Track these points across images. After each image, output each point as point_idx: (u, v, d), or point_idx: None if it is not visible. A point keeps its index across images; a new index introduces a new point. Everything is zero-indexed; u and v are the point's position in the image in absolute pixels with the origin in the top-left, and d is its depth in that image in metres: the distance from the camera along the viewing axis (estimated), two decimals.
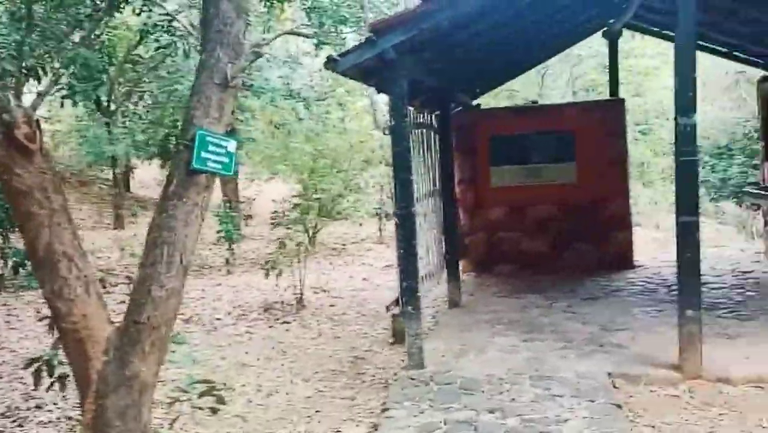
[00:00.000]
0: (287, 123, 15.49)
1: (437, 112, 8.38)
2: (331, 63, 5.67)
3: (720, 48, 9.59)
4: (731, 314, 7.00)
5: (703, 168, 23.73)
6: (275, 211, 9.67)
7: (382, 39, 5.57)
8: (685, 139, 5.18)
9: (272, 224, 9.99)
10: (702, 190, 23.73)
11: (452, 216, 8.20)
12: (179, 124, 6.02)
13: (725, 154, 23.30)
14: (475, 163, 10.37)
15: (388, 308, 7.13)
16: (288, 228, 9.50)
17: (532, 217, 10.24)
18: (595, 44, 21.25)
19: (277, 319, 8.91)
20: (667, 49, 26.66)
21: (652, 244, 12.87)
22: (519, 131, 10.18)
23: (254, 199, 17.57)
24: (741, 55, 9.38)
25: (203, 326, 8.61)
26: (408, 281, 5.88)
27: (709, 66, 27.91)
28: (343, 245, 15.61)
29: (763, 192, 7.98)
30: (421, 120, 7.71)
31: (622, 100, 9.96)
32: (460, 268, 9.99)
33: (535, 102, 10.68)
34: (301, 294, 9.47)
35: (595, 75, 21.73)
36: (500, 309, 7.90)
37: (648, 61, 23.10)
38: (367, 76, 6.40)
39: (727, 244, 13.07)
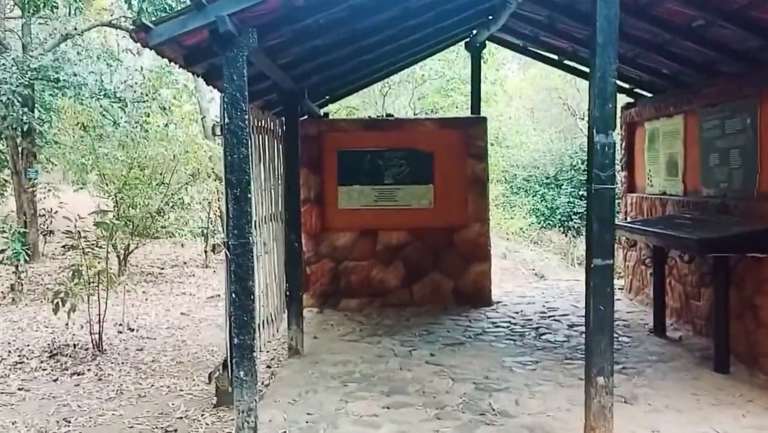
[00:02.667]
0: (99, 126, 13.19)
1: (283, 117, 6.91)
2: (140, 33, 4.02)
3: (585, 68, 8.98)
4: (616, 367, 6.10)
5: (534, 196, 24.24)
6: (68, 231, 7.61)
7: (216, 4, 4.02)
8: (602, 162, 4.12)
9: (64, 247, 7.92)
10: (533, 219, 24.21)
11: (297, 243, 6.71)
12: None
13: (553, 184, 23.86)
14: (321, 180, 8.98)
15: (210, 377, 5.47)
16: (85, 252, 7.50)
17: (383, 244, 9.02)
18: (436, 65, 20.92)
19: (66, 369, 6.92)
20: (505, 75, 27.24)
21: (502, 275, 12.20)
22: (371, 147, 8.96)
23: (56, 212, 14.90)
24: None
25: None
26: (241, 337, 4.31)
27: (537, 99, 28.97)
28: (161, 269, 13.53)
29: (635, 227, 7.29)
30: (263, 124, 6.19)
31: (485, 119, 9.06)
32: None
33: (390, 115, 9.50)
34: (100, 335, 7.51)
35: (438, 98, 21.30)
36: (351, 358, 6.52)
37: (487, 87, 23.17)
38: (194, 59, 4.79)
39: (575, 276, 12.74)
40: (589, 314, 4.24)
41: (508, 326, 7.84)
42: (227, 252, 4.30)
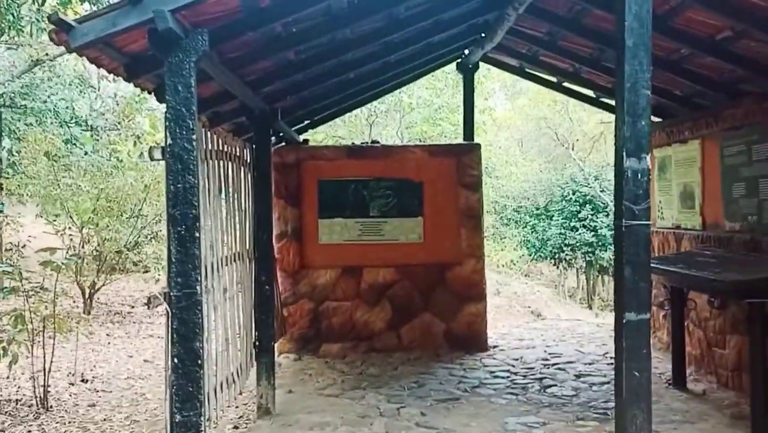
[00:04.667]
0: (65, 156, 12.32)
1: (252, 144, 6.10)
2: (60, 34, 3.22)
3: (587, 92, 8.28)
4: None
5: (525, 228, 23.53)
6: (6, 271, 6.71)
7: None
8: (635, 193, 3.34)
9: (2, 289, 7.02)
10: (524, 250, 23.47)
11: (268, 286, 5.84)
12: None
13: (544, 215, 23.19)
14: (300, 213, 8.15)
15: None
16: (29, 295, 6.60)
17: (368, 282, 8.17)
18: (425, 93, 20.30)
19: (2, 431, 5.97)
20: (494, 105, 26.73)
21: (496, 313, 11.34)
22: (355, 176, 8.16)
23: (23, 247, 13.94)
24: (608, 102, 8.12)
25: None
26: (184, 413, 3.44)
27: (525, 129, 28.45)
28: (132, 307, 12.58)
29: (652, 265, 6.46)
30: (228, 149, 5.37)
31: (478, 145, 8.30)
32: (276, 352, 7.68)
33: (376, 141, 8.72)
34: (45, 389, 6.58)
35: (426, 127, 20.62)
36: (329, 420, 5.62)
37: (476, 116, 22.58)
38: (137, 69, 4.00)
39: (572, 315, 11.93)
40: (621, 381, 3.41)
41: (508, 377, 6.97)
42: (167, 306, 3.44)
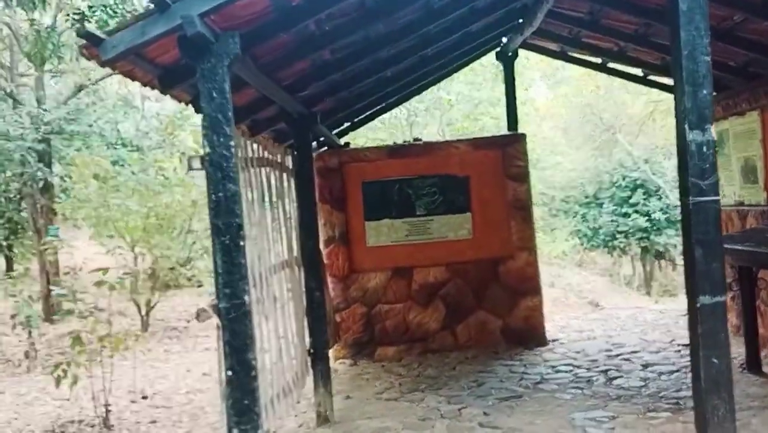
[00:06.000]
0: (112, 177, 12.52)
1: (294, 150, 6.02)
2: (90, 48, 3.17)
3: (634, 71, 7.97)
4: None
5: (575, 217, 23.02)
6: (61, 294, 6.77)
7: (182, 2, 3.15)
8: (701, 168, 3.11)
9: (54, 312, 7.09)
10: (576, 240, 22.98)
11: (318, 292, 5.75)
12: None
13: (594, 203, 22.63)
14: (346, 217, 8.05)
15: None
16: (84, 316, 6.65)
17: (419, 283, 8.01)
18: (464, 89, 20.07)
19: None
20: (538, 92, 26.30)
21: (552, 306, 11.03)
22: (399, 175, 8.02)
23: (80, 270, 14.21)
24: (657, 80, 7.80)
25: None
26: (242, 427, 3.34)
27: (569, 117, 27.88)
28: (188, 322, 12.66)
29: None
30: (269, 156, 5.30)
31: (523, 135, 8.07)
32: (331, 358, 7.59)
33: (417, 139, 8.56)
34: (106, 408, 6.61)
35: (467, 123, 20.37)
36: (390, 425, 5.49)
37: (517, 107, 22.25)
38: (172, 80, 3.94)
39: (631, 303, 11.55)
40: (698, 369, 3.18)
41: (570, 371, 6.73)
42: (218, 318, 3.35)
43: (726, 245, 5.65)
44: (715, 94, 7.13)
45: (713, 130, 3.14)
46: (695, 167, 3.13)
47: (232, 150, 3.39)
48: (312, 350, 5.66)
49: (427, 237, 8.01)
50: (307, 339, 5.73)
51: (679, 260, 21.64)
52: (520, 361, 7.26)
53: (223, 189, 3.37)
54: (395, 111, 19.17)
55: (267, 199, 5.10)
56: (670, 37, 3.23)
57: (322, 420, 5.65)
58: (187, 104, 4.56)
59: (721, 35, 5.78)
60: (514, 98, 8.36)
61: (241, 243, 3.38)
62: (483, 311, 7.96)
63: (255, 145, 4.83)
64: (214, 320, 3.55)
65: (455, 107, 20.22)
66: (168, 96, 4.31)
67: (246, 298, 3.38)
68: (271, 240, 5.09)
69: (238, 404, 3.37)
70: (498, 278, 7.95)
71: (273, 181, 5.31)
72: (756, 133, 6.42)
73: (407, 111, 17.96)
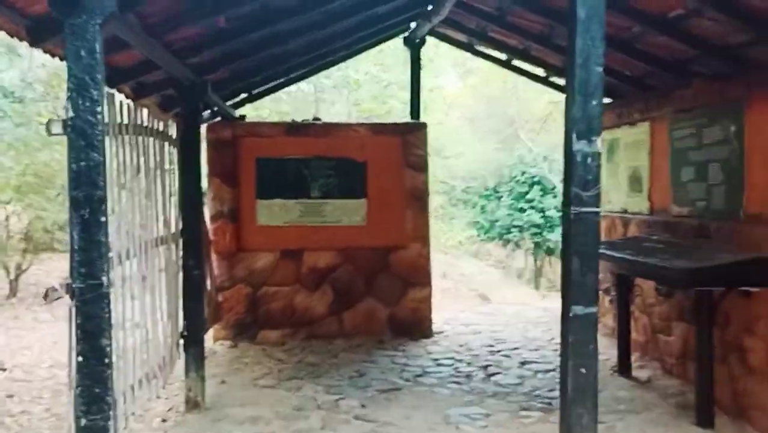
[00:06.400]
0: None
1: (180, 119, 5.67)
2: None
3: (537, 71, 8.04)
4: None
5: (474, 208, 23.44)
6: None
7: None
8: (584, 179, 3.09)
9: None
10: (473, 231, 23.42)
11: (197, 271, 5.45)
12: None
13: (493, 196, 23.11)
14: (237, 193, 7.74)
15: None
16: None
17: (309, 266, 7.84)
18: (372, 69, 19.90)
19: None
20: (448, 81, 26.48)
21: (442, 297, 11.13)
22: (295, 155, 7.78)
23: None
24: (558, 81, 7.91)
25: None
26: (90, 417, 3.07)
27: (476, 109, 28.32)
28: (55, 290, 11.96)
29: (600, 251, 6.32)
30: (150, 124, 4.94)
31: (424, 124, 8.01)
32: (211, 336, 7.34)
33: (317, 119, 8.33)
34: None
35: (375, 104, 20.24)
36: (263, 414, 5.30)
37: (425, 95, 22.28)
38: (42, 33, 3.58)
39: (520, 296, 11.83)
40: (566, 378, 3.18)
41: (452, 365, 6.76)
42: (71, 299, 3.06)
43: (607, 252, 5.81)
44: (611, 101, 7.35)
45: (600, 142, 3.12)
46: (579, 178, 3.10)
47: (99, 116, 3.08)
48: (186, 333, 5.38)
49: (321, 220, 7.83)
50: (181, 321, 5.44)
51: None
52: (403, 352, 7.24)
53: (86, 158, 3.05)
54: (302, 85, 18.76)
55: (144, 170, 4.76)
56: (567, 45, 3.18)
57: (191, 405, 5.39)
58: (62, 60, 4.16)
59: (620, 45, 5.88)
60: (419, 86, 8.28)
61: (102, 219, 3.08)
62: (372, 299, 7.89)
63: (132, 110, 4.48)
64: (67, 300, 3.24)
65: (363, 87, 20.03)
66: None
67: (104, 279, 3.09)
68: (145, 214, 4.76)
69: (87, 393, 3.08)
70: (389, 267, 7.89)
71: (152, 151, 4.96)
72: (644, 144, 6.62)
73: (314, 87, 17.61)
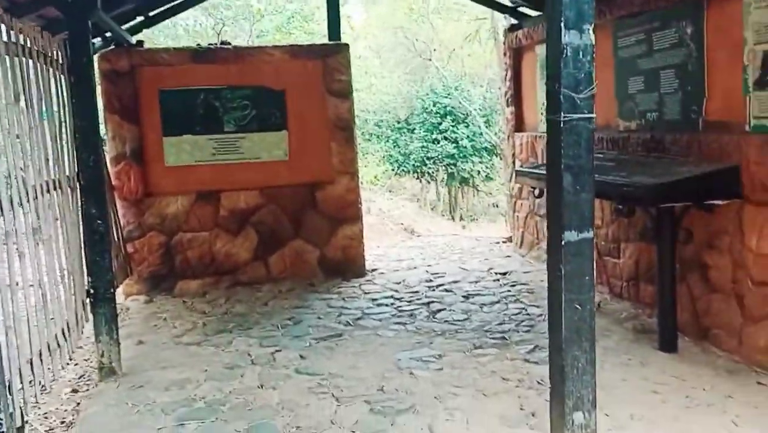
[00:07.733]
0: None
1: (68, 43, 4.77)
2: None
3: None
4: (540, 354, 4.75)
5: (387, 142, 22.96)
6: None
7: None
8: (576, 78, 2.58)
9: None
10: (388, 165, 23.02)
11: (101, 220, 4.68)
12: None
13: (405, 129, 22.68)
14: (140, 131, 6.87)
15: None
16: None
17: (228, 208, 7.13)
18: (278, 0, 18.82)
19: None
20: (352, 9, 25.46)
21: (369, 232, 10.60)
22: (204, 85, 6.96)
23: None
24: None
25: None
26: None
27: (383, 39, 27.51)
28: None
29: (534, 171, 5.98)
30: (28, 43, 4.06)
31: (346, 45, 7.31)
32: (122, 292, 6.60)
33: (226, 43, 7.46)
34: None
35: (279, 35, 19.14)
36: (190, 375, 4.69)
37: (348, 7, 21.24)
38: None
39: (438, 228, 11.50)
40: (558, 316, 2.73)
41: (392, 304, 6.31)
42: None
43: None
44: (541, 13, 6.87)
45: (592, 33, 2.60)
46: (569, 77, 2.58)
47: None
48: (92, 291, 4.63)
49: (238, 157, 7.10)
50: (86, 278, 4.69)
51: (481, 187, 22.55)
52: (338, 294, 6.72)
53: None
54: (201, 19, 17.45)
55: (24, 101, 3.91)
56: None
57: (106, 372, 4.70)
58: None
59: None
60: (337, 4, 7.51)
61: None
62: (299, 240, 7.29)
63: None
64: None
65: (266, 18, 18.88)
66: None
67: None
68: (28, 154, 3.94)
69: None
70: (316, 205, 7.29)
71: (35, 77, 4.10)
72: None
73: (213, 20, 16.39)
